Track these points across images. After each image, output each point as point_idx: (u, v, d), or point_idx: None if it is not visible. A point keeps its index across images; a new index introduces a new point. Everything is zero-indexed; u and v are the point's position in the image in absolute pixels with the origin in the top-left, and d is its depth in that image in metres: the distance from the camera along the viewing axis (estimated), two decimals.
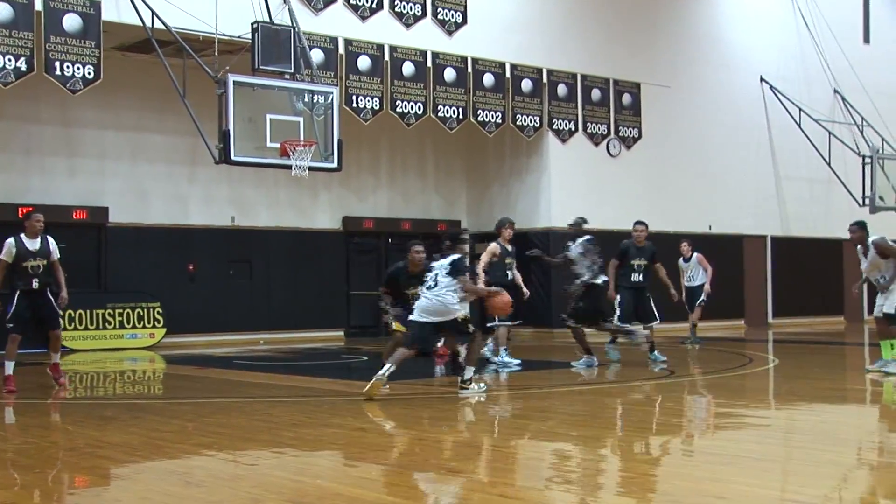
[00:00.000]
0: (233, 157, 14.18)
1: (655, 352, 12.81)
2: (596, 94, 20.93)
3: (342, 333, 19.91)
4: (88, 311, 16.74)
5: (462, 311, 9.28)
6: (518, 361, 12.68)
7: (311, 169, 14.74)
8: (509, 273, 12.64)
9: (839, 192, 24.18)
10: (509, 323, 12.64)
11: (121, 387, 11.49)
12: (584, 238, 12.28)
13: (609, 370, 12.41)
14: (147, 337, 17.21)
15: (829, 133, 23.99)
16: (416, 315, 9.19)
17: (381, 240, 20.87)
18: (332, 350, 17.17)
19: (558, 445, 7.04)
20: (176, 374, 12.98)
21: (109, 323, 16.93)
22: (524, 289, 13.03)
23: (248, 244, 18.93)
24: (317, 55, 16.51)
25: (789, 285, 23.79)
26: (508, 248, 12.77)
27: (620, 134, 21.33)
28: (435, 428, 7.89)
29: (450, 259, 9.41)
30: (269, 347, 17.47)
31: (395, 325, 10.71)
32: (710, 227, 22.43)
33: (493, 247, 12.63)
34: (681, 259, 16.97)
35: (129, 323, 17.10)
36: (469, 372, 9.43)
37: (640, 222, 13.25)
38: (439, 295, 9.15)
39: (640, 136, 21.59)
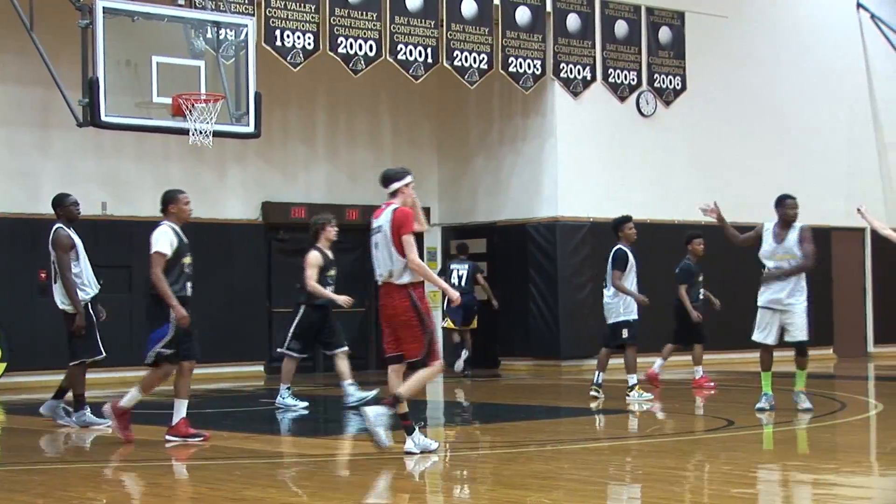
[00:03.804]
0: (103, 118, 14.10)
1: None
2: (621, 27, 21.05)
3: (262, 369, 19.89)
4: None
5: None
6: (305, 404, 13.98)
7: (216, 134, 14.69)
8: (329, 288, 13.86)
9: None
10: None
11: None
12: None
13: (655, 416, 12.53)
14: None
15: None
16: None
17: None
18: (246, 392, 17.11)
19: None
20: (19, 429, 12.90)
21: None
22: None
23: (127, 242, 18.82)
24: None
25: None
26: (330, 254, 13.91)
27: (656, 85, 21.46)
28: (395, 502, 7.92)
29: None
30: (156, 390, 17.39)
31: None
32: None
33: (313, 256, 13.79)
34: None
35: None
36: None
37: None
38: None
39: (683, 88, 21.72)
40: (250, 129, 15.27)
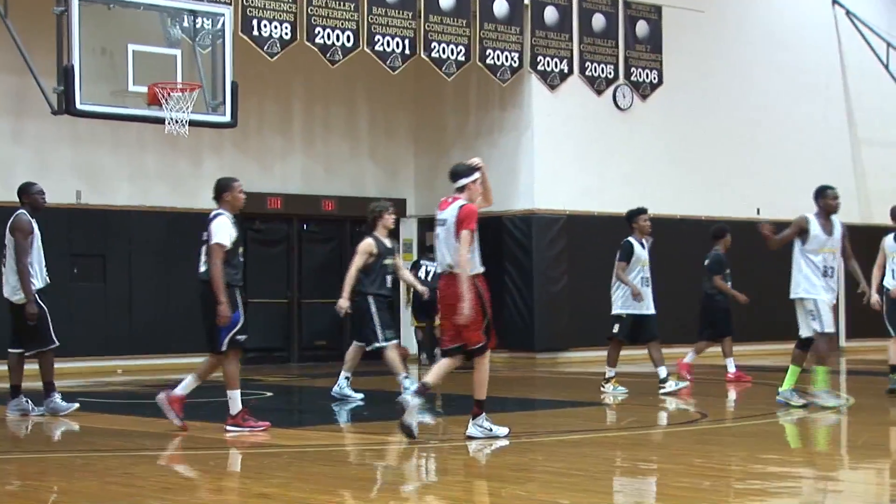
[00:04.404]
0: (78, 106, 14.07)
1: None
2: (599, 20, 21.07)
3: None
4: None
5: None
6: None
7: (192, 124, 14.67)
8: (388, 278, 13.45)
9: None
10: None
11: None
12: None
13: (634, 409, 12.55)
14: None
15: None
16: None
17: (292, 226, 20.84)
18: (220, 383, 17.08)
19: None
20: None
21: None
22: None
23: (101, 231, 18.79)
24: None
25: None
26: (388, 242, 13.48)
27: (633, 78, 21.50)
28: (369, 493, 7.92)
29: None
30: (129, 379, 17.36)
31: None
32: (757, 212, 22.68)
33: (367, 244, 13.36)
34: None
35: None
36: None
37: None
38: None
39: (660, 82, 21.77)
40: (226, 118, 15.25)
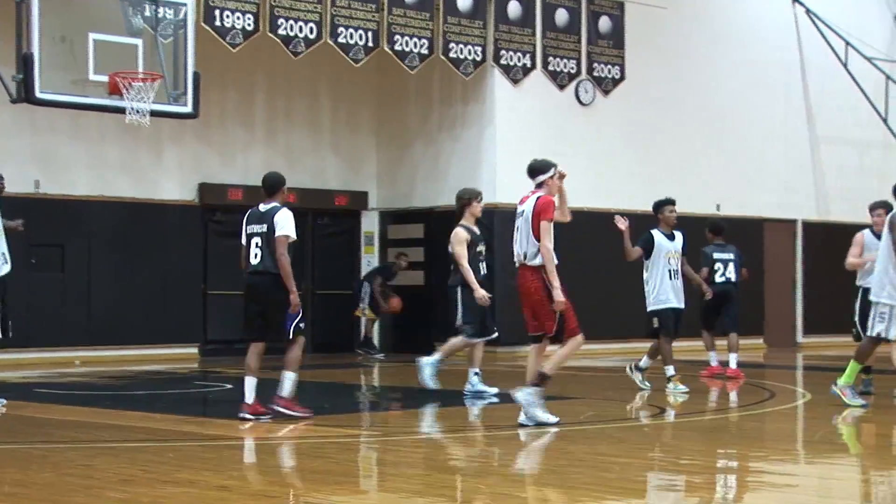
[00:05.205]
0: (37, 95, 13.95)
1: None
2: (562, 15, 21.10)
3: (196, 351, 19.80)
4: None
5: None
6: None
7: (153, 114, 14.58)
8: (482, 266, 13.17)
9: None
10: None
11: None
12: None
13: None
14: None
15: (888, 77, 24.55)
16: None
17: None
18: (180, 375, 17.01)
19: None
20: None
21: None
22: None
23: (60, 221, 18.67)
24: None
25: (828, 290, 24.27)
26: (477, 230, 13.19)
27: (595, 73, 21.53)
28: (328, 486, 7.91)
29: None
30: (87, 371, 17.26)
31: None
32: (717, 208, 22.80)
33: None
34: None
35: None
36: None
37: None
38: None
39: (622, 78, 21.82)
40: (188, 109, 15.17)
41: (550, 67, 20.96)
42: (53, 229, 18.59)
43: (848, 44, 24.07)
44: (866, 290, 12.51)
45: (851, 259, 12.93)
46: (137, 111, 14.33)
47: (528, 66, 20.66)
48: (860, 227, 13.29)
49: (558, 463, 9.02)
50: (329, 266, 21.41)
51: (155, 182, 19.70)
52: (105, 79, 14.25)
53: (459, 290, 13.05)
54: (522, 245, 10.35)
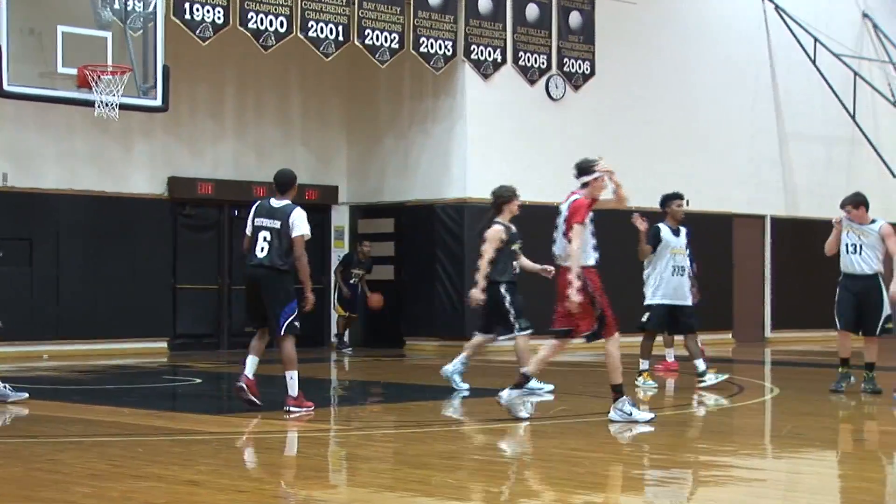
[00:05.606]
0: (6, 87, 13.90)
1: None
2: (532, 10, 21.11)
3: (165, 345, 19.75)
4: None
5: None
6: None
7: (122, 107, 14.53)
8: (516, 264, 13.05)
9: (866, 155, 24.92)
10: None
11: None
12: None
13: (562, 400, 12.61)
14: None
15: (856, 74, 24.68)
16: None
17: (223, 211, 20.71)
18: (149, 369, 16.97)
19: None
20: None
21: None
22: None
23: (28, 214, 18.58)
24: None
25: (796, 286, 24.42)
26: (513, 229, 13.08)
27: (565, 69, 21.56)
28: (298, 480, 7.90)
29: None
30: (56, 365, 17.19)
31: None
32: (686, 203, 22.81)
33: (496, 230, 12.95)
34: None
35: None
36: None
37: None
38: None
39: (592, 73, 21.85)
40: (157, 102, 15.13)
41: (521, 62, 20.97)
42: (21, 223, 18.51)
43: (816, 40, 24.19)
44: (848, 276, 12.61)
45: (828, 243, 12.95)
46: (106, 104, 14.29)
47: (499, 60, 20.67)
48: (828, 222, 13.29)
49: (529, 457, 9.04)
50: None
51: (124, 175, 19.62)
52: (74, 72, 14.21)
53: (503, 287, 12.85)
54: (558, 246, 10.50)
